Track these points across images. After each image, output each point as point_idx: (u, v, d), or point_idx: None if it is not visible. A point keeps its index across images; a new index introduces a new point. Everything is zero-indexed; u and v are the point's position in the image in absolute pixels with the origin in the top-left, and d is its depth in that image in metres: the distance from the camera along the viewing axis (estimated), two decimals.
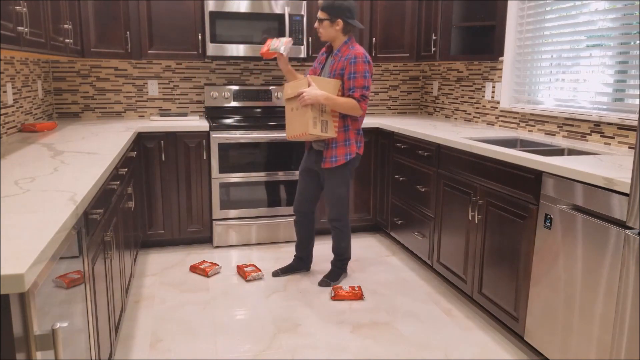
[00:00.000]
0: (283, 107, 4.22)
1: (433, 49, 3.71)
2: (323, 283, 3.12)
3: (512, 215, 2.40)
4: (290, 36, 3.75)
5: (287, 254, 3.64)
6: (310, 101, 2.73)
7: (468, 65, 3.91)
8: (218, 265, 3.32)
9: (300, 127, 2.82)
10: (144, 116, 4.10)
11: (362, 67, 2.79)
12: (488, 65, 3.65)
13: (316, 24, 2.90)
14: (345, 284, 3.14)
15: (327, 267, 3.39)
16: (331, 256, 3.56)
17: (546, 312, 2.19)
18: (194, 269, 3.30)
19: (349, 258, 3.19)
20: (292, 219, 3.84)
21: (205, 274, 3.23)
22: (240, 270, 3.26)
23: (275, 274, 3.26)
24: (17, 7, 2.02)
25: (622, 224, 1.82)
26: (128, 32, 3.60)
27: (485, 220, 2.61)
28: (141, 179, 3.53)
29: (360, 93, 2.81)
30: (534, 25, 3.23)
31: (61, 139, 2.76)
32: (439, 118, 4.27)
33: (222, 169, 3.65)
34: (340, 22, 2.82)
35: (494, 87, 3.59)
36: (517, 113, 3.37)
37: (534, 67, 3.27)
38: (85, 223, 1.63)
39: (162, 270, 3.34)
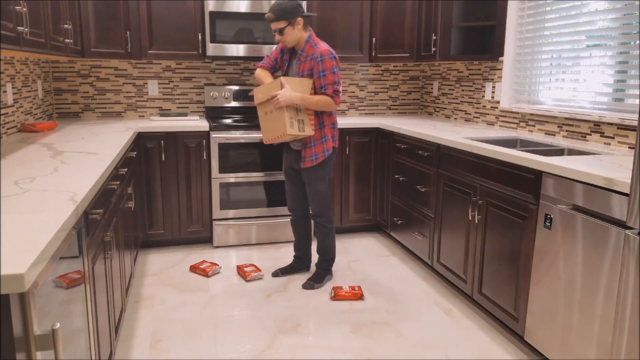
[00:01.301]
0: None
1: (433, 49, 3.71)
2: (307, 285, 3.09)
3: (512, 215, 2.40)
4: None
5: (287, 254, 3.64)
6: (285, 103, 2.74)
7: (468, 65, 3.91)
8: (218, 265, 3.32)
9: (277, 129, 2.82)
10: (144, 116, 4.10)
11: (329, 64, 2.79)
12: (488, 65, 3.65)
13: (277, 37, 2.84)
14: (345, 284, 3.14)
15: None
16: None
17: (546, 312, 2.19)
18: (194, 269, 3.30)
19: (333, 258, 3.18)
20: None
21: (205, 274, 3.23)
22: (240, 270, 3.26)
23: (275, 274, 3.26)
24: (17, 7, 2.02)
25: (622, 224, 1.82)
26: (128, 32, 3.60)
27: (485, 220, 2.61)
28: (141, 179, 3.53)
29: (332, 89, 2.82)
30: (534, 25, 3.23)
31: (61, 139, 2.76)
32: (439, 118, 4.27)
33: (222, 169, 3.65)
34: (300, 20, 2.80)
35: (494, 87, 3.59)
36: (517, 113, 3.37)
37: (534, 67, 3.27)
38: (85, 223, 1.63)
39: (162, 270, 3.34)
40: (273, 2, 2.79)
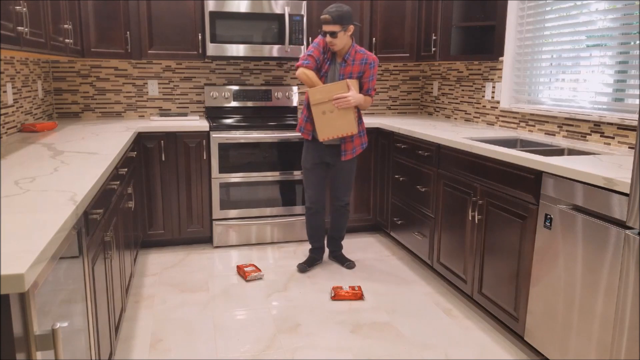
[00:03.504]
0: (283, 107, 4.22)
1: (433, 49, 3.71)
2: (351, 265, 3.41)
3: (512, 215, 2.40)
4: (290, 36, 3.76)
5: (287, 254, 3.64)
6: (354, 104, 2.98)
7: (468, 65, 3.91)
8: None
9: (344, 127, 3.02)
10: (144, 116, 4.10)
11: (376, 70, 3.12)
12: (488, 65, 3.65)
13: (329, 39, 2.97)
14: (345, 284, 3.14)
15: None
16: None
17: (546, 312, 2.19)
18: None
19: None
20: (291, 218, 3.84)
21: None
22: (240, 270, 3.26)
23: (303, 268, 3.34)
24: (17, 7, 2.02)
25: (622, 224, 1.82)
26: (128, 32, 3.60)
27: (485, 220, 2.61)
28: (141, 179, 3.53)
29: (375, 91, 3.17)
30: (534, 25, 3.23)
31: (61, 139, 2.76)
32: (439, 118, 4.27)
33: (222, 169, 3.65)
34: (351, 27, 3.01)
35: (494, 87, 3.59)
36: (517, 113, 3.37)
37: (534, 67, 3.27)
38: (85, 223, 1.63)
39: (162, 270, 3.34)
40: (331, 5, 3.00)
